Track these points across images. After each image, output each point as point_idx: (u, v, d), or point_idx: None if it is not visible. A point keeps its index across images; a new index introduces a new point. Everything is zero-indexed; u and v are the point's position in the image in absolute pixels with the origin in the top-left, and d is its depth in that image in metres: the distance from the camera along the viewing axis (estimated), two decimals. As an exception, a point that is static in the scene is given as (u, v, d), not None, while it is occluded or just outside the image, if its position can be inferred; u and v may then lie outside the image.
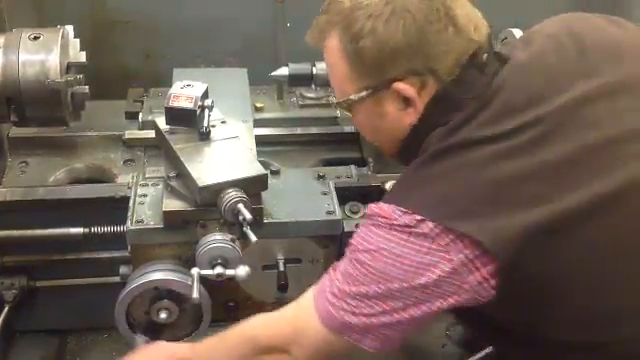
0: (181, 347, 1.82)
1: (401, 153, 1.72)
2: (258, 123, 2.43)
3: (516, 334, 1.59)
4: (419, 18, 1.52)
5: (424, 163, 1.54)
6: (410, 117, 1.61)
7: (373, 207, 1.54)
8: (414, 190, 1.51)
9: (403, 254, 1.46)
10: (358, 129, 1.82)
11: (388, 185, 2.13)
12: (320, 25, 1.64)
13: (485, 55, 1.57)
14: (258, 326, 1.69)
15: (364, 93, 1.61)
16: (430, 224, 1.43)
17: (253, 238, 1.82)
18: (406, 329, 1.54)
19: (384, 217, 1.49)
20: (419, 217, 1.44)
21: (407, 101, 1.59)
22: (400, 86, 1.56)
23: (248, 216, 1.80)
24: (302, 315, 1.62)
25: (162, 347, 1.83)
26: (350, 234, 1.96)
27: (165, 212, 1.92)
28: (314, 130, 2.56)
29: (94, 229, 2.17)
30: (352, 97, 1.63)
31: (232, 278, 1.84)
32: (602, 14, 1.72)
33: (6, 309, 2.26)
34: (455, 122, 1.54)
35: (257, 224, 1.89)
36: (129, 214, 1.99)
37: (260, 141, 2.24)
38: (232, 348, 1.69)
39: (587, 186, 1.42)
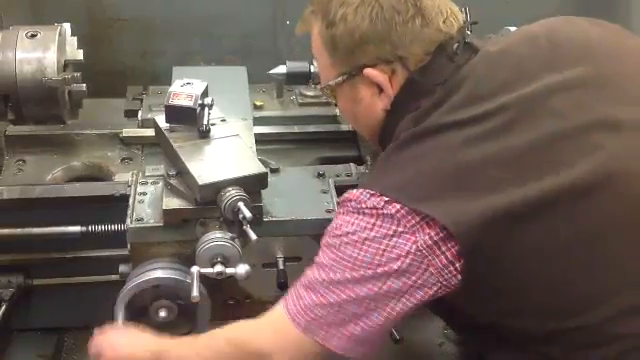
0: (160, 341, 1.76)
1: (380, 140, 1.77)
2: (258, 121, 2.44)
3: (485, 326, 1.60)
4: (387, 7, 1.61)
5: (394, 149, 1.60)
6: (383, 103, 1.70)
7: (345, 194, 1.59)
8: (384, 175, 1.56)
9: (371, 238, 1.49)
10: (341, 114, 1.91)
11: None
12: (305, 15, 1.77)
13: (456, 45, 1.64)
14: (243, 332, 1.68)
15: (340, 79, 1.71)
16: (397, 205, 1.47)
17: (253, 236, 1.81)
18: (374, 328, 1.54)
19: (353, 200, 1.53)
20: (386, 198, 1.48)
21: (379, 87, 1.67)
22: (371, 72, 1.66)
23: (248, 214, 1.79)
24: (278, 319, 1.63)
25: (139, 337, 1.79)
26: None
27: (165, 210, 1.92)
28: (312, 128, 2.57)
29: (92, 227, 2.15)
30: (330, 83, 1.74)
31: (232, 276, 1.83)
32: (592, 18, 1.75)
33: (3, 307, 2.24)
34: (424, 108, 1.60)
35: (257, 222, 1.89)
36: (129, 212, 1.98)
37: (259, 139, 2.25)
38: (218, 351, 1.67)
39: (551, 175, 1.45)
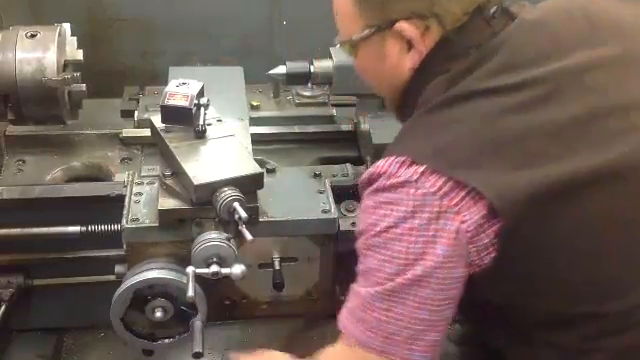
0: None
1: (402, 102, 1.69)
2: (254, 121, 2.44)
3: (501, 312, 1.56)
4: None
5: (424, 114, 1.52)
6: (412, 61, 1.59)
7: (370, 169, 1.49)
8: (413, 139, 1.49)
9: (416, 226, 1.40)
10: (360, 73, 1.76)
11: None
12: None
13: (493, 9, 1.56)
14: None
15: (367, 32, 1.59)
16: (435, 180, 1.39)
17: (249, 237, 1.80)
18: (441, 323, 1.47)
19: (382, 175, 1.44)
20: (421, 168, 1.40)
21: (409, 44, 1.57)
22: (403, 26, 1.54)
23: (243, 215, 1.79)
24: (351, 352, 1.52)
25: None
26: (345, 233, 1.99)
27: (160, 210, 1.92)
28: (312, 128, 2.56)
29: (91, 227, 2.16)
30: (355, 37, 1.62)
31: (228, 277, 1.82)
32: None
33: (3, 308, 2.25)
34: (456, 71, 1.53)
35: (252, 223, 1.88)
36: (125, 212, 1.99)
37: (256, 139, 2.26)
38: None
39: (594, 151, 1.41)
